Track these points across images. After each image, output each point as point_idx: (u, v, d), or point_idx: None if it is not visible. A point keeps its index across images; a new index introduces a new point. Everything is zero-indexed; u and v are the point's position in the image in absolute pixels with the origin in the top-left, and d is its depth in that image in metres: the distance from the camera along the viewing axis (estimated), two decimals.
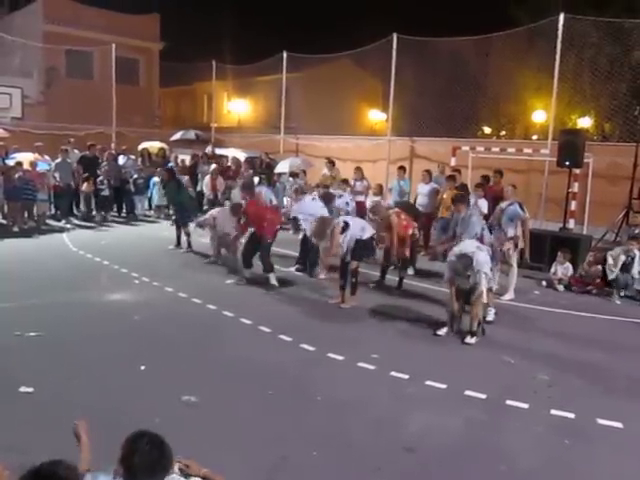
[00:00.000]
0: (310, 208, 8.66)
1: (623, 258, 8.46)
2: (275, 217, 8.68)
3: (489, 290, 7.16)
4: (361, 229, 7.41)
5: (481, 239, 6.96)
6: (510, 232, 7.81)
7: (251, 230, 8.39)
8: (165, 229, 12.41)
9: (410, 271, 9.09)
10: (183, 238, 10.50)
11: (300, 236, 9.49)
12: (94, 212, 13.67)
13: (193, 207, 11.04)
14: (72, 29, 21.65)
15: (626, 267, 8.42)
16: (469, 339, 6.18)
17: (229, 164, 15.43)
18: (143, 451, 2.18)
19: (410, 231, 8.26)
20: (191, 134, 21.08)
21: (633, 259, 8.41)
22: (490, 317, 7.00)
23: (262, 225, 8.21)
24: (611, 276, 8.51)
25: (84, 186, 13.39)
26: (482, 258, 6.12)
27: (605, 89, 14.85)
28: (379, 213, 8.51)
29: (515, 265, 8.12)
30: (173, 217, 11.35)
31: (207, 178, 13.40)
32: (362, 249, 7.40)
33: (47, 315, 6.49)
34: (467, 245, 6.41)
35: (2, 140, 15.21)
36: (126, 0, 23.24)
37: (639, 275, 8.44)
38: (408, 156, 15.74)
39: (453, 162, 13.37)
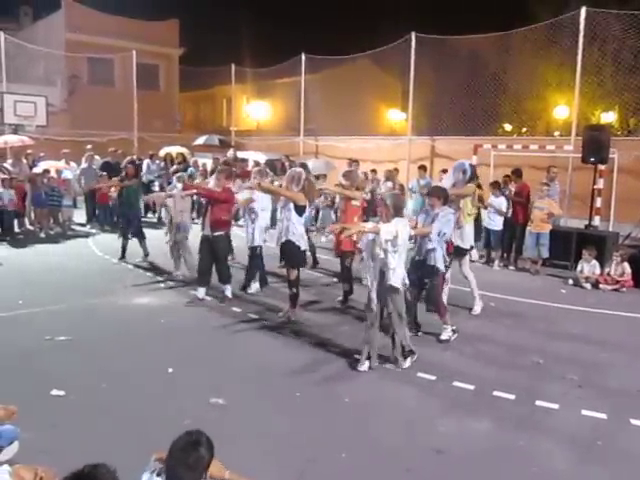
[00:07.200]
0: None
1: None
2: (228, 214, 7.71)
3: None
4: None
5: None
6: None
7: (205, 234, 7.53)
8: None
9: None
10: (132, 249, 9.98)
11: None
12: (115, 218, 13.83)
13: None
14: (93, 37, 22.08)
15: None
16: (402, 363, 5.43)
17: (249, 168, 15.49)
18: (176, 448, 2.30)
19: (355, 219, 7.23)
20: (214, 139, 21.23)
21: None
22: (444, 336, 6.23)
23: (224, 213, 7.44)
24: None
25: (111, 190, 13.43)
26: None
27: (629, 83, 14.59)
28: (351, 178, 7.49)
29: (472, 276, 7.21)
30: (121, 227, 10.22)
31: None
32: (294, 255, 6.65)
33: (75, 319, 6.60)
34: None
35: (28, 148, 15.51)
36: (146, 7, 23.64)
37: None
38: (429, 156, 15.67)
39: (475, 160, 13.24)
